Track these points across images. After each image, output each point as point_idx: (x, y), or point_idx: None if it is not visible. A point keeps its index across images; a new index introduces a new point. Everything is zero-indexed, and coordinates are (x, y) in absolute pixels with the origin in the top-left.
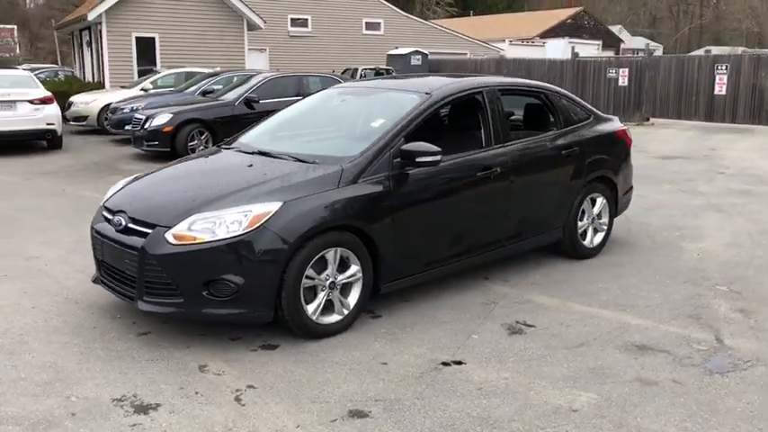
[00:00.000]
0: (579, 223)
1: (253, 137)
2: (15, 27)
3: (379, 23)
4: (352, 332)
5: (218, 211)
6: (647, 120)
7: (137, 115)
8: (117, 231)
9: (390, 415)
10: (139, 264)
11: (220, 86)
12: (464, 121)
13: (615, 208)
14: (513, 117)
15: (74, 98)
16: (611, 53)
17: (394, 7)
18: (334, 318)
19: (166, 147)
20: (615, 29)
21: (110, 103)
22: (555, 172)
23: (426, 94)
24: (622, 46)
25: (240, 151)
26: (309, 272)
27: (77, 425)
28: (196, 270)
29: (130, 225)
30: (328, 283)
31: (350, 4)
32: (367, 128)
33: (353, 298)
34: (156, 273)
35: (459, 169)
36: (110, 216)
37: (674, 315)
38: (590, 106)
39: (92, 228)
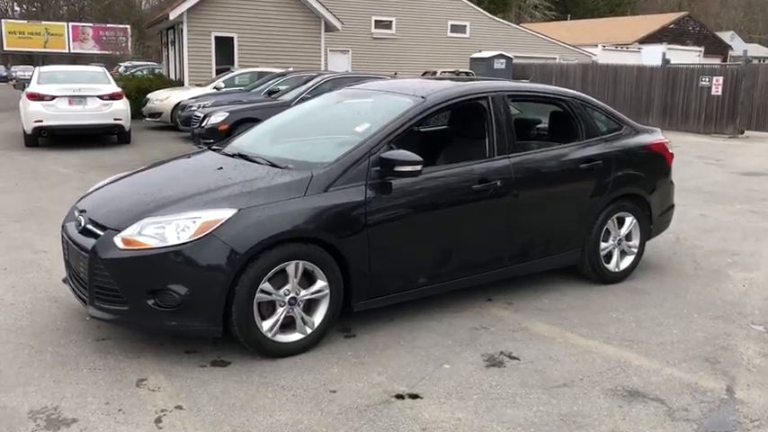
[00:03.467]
0: (602, 245)
1: (246, 138)
2: (129, 27)
3: (465, 26)
4: (315, 353)
5: (169, 216)
6: (742, 132)
7: (196, 113)
8: (78, 232)
9: None
10: (89, 267)
11: (286, 86)
12: (465, 128)
13: (649, 229)
14: (539, 126)
15: (150, 95)
16: (716, 61)
17: (481, 10)
18: (295, 336)
19: None
20: (726, 35)
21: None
22: (571, 187)
23: (421, 98)
24: (730, 53)
25: (223, 153)
26: (265, 286)
27: None
28: (141, 278)
29: (88, 226)
30: (288, 298)
31: (436, 7)
32: (351, 133)
33: (319, 316)
34: (104, 278)
35: (452, 181)
36: (77, 215)
37: (686, 356)
38: (624, 117)
39: (62, 226)
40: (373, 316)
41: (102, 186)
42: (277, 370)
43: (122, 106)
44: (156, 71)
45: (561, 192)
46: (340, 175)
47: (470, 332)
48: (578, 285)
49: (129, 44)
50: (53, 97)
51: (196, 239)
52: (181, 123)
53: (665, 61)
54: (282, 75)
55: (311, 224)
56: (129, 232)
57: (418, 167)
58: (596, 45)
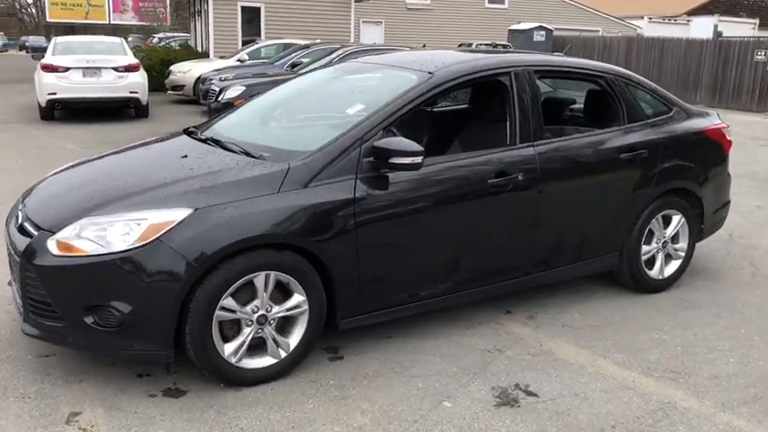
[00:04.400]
0: (644, 248)
1: (227, 120)
2: None
3: None
4: (290, 380)
5: (111, 216)
6: None
7: (212, 87)
8: (16, 229)
9: None
10: (20, 274)
11: (308, 59)
12: (482, 109)
13: (700, 229)
14: (573, 107)
15: (173, 67)
16: None
17: None
18: (265, 361)
19: None
20: None
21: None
22: (608, 181)
23: (428, 74)
24: None
25: (196, 138)
26: (228, 302)
27: None
28: (77, 290)
29: (25, 224)
30: (256, 316)
31: None
32: (341, 116)
33: (296, 337)
34: (36, 288)
35: (463, 174)
36: (20, 208)
37: (747, 396)
38: (674, 97)
39: (6, 219)
40: (367, 331)
41: (56, 173)
42: (240, 404)
43: (138, 78)
44: (184, 43)
45: (597, 187)
46: (324, 166)
47: (481, 356)
48: (614, 294)
49: (168, 15)
50: (67, 69)
51: (141, 246)
52: (201, 97)
53: (717, 34)
54: (306, 47)
55: (285, 227)
56: (65, 234)
57: (418, 159)
58: (642, 17)
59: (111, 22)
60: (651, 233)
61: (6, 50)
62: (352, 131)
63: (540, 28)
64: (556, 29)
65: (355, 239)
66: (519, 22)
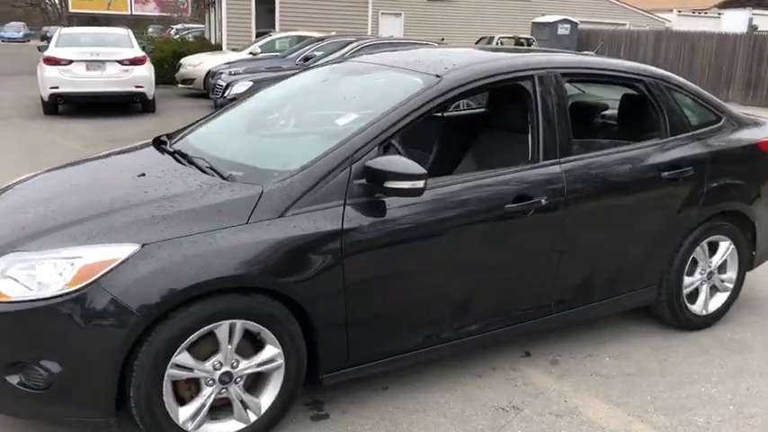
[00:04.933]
0: (686, 279)
1: (204, 129)
2: None
3: None
4: None
5: (41, 253)
6: None
7: (219, 82)
8: None
9: None
10: None
11: (322, 52)
12: (499, 119)
13: (751, 257)
14: (606, 113)
15: (184, 60)
16: None
17: None
18: (231, 426)
19: None
20: None
21: None
22: (647, 204)
23: (436, 77)
24: None
25: (164, 149)
26: (182, 358)
27: None
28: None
29: None
30: (219, 374)
31: None
32: (330, 128)
33: (269, 396)
34: None
35: (475, 198)
36: None
37: None
38: (723, 104)
39: None
40: (359, 380)
41: (4, 189)
42: None
43: (144, 72)
44: (199, 35)
45: (634, 211)
46: (306, 190)
47: (494, 416)
48: (650, 331)
49: (189, 6)
50: (70, 62)
51: (72, 291)
52: (211, 91)
53: (752, 28)
54: (321, 40)
55: (255, 267)
56: None
57: (420, 184)
58: (671, 10)
59: (133, 13)
60: (695, 262)
61: (28, 41)
62: (341, 148)
63: (565, 21)
64: (581, 21)
65: (342, 280)
66: (543, 15)
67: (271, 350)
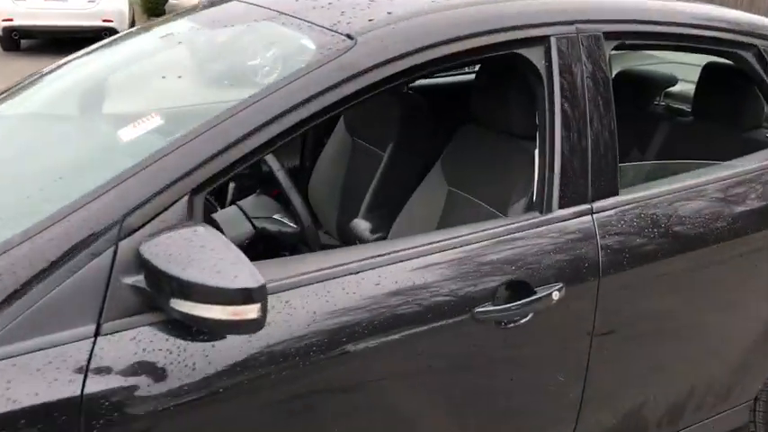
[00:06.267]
0: None
1: None
2: None
3: None
4: None
5: None
6: None
7: None
8: None
9: None
10: None
11: None
12: (482, 117)
13: None
14: (673, 90)
15: None
16: None
17: None
18: None
19: None
20: None
21: None
22: (747, 270)
23: (346, 38)
24: None
25: None
26: None
27: None
28: None
29: None
30: None
31: None
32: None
33: None
34: None
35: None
36: None
37: None
38: None
39: None
40: None
41: None
42: None
43: (114, 5)
44: None
45: (721, 286)
46: (8, 297)
47: None
48: None
49: None
50: None
51: None
52: None
53: None
54: None
55: None
56: None
57: (253, 312)
58: None
59: None
60: None
61: None
62: (99, 200)
63: None
64: None
65: None
66: None
67: None
